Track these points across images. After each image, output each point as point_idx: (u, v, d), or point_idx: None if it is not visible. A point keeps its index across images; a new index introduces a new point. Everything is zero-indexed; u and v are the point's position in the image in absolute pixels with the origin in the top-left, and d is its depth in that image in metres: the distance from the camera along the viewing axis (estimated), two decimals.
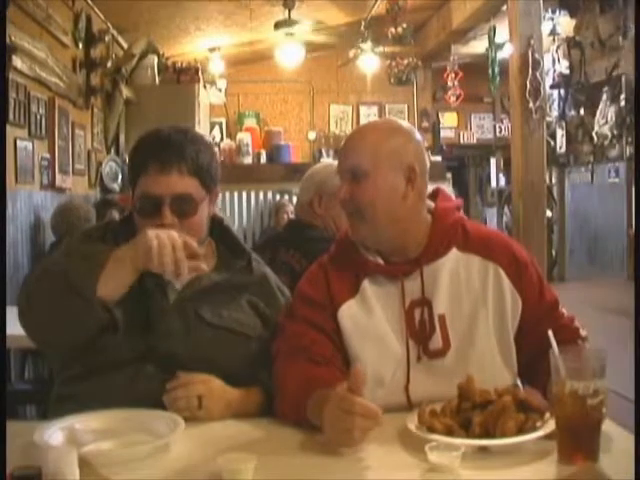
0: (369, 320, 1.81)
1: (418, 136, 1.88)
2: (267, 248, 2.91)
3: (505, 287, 1.82)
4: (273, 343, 1.86)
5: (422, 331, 1.80)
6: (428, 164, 1.87)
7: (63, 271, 1.68)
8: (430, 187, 1.93)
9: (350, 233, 1.87)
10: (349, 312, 1.81)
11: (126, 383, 1.75)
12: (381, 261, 1.85)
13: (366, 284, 1.84)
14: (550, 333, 1.49)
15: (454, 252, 1.85)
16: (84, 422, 1.62)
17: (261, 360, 1.86)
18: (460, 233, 1.87)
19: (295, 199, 3.35)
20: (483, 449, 1.47)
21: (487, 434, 1.48)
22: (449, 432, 1.49)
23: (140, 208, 1.84)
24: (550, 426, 1.48)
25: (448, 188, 4.15)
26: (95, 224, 4.65)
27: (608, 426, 1.51)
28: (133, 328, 1.75)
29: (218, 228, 2.00)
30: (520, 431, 1.48)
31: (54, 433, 1.54)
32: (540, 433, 1.48)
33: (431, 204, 1.90)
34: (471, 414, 1.53)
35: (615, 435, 1.53)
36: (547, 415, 1.52)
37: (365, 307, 1.82)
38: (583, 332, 1.86)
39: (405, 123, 1.92)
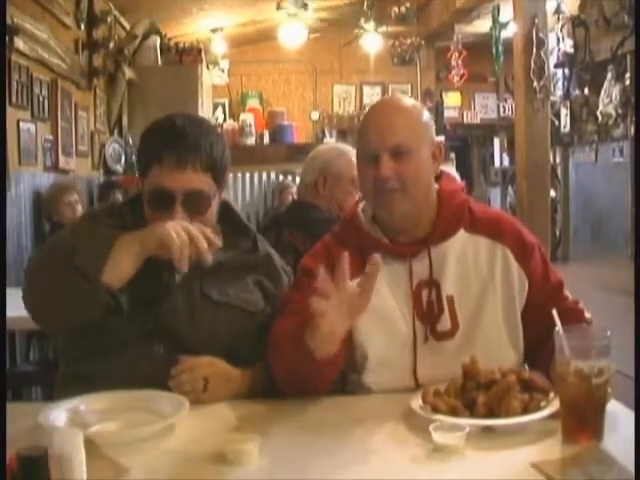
0: (375, 300, 1.78)
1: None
2: (271, 229, 2.91)
3: (513, 269, 1.81)
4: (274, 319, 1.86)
5: (430, 312, 1.79)
6: None
7: (68, 253, 1.68)
8: None
9: (386, 212, 1.82)
10: None
11: (131, 363, 1.75)
12: (387, 241, 1.84)
13: None
14: (554, 312, 1.49)
15: (462, 233, 1.84)
16: (89, 403, 1.62)
17: (264, 337, 1.87)
18: (467, 214, 1.86)
19: (298, 180, 3.34)
20: (487, 429, 1.47)
21: (491, 414, 1.49)
22: (453, 412, 1.50)
23: (151, 201, 1.82)
24: (554, 406, 1.48)
25: (452, 170, 4.11)
26: (100, 205, 4.65)
27: (614, 406, 1.51)
28: (139, 307, 1.75)
29: (223, 210, 2.00)
30: (524, 411, 1.48)
31: (59, 414, 1.55)
32: (544, 413, 1.48)
33: (435, 185, 1.89)
34: (475, 394, 1.53)
35: (621, 415, 1.53)
36: (551, 395, 1.52)
37: None
38: (588, 315, 1.85)
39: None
